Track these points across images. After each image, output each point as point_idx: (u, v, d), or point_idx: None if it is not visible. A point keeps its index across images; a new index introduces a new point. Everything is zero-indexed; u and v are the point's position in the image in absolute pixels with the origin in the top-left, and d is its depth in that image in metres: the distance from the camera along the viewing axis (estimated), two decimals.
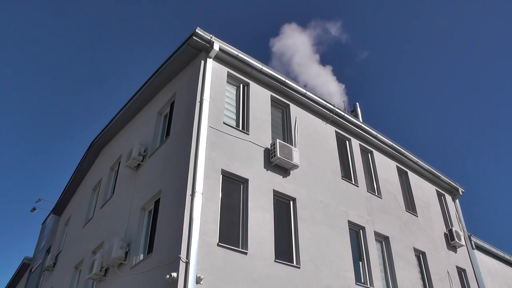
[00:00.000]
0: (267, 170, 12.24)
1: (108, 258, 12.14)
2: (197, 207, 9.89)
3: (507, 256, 23.41)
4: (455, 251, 18.87)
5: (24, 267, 29.02)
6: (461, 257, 19.03)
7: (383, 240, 15.21)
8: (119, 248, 11.90)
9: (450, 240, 18.71)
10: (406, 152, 18.48)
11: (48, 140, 76.60)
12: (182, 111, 12.48)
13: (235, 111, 13.04)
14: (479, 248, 21.37)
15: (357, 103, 21.26)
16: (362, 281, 13.50)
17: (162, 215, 11.13)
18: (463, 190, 21.67)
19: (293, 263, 11.48)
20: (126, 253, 12.00)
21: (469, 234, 20.78)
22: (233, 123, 12.59)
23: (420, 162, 19.12)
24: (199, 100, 11.67)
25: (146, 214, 12.46)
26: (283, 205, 12.36)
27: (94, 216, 16.85)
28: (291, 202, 12.53)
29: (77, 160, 30.57)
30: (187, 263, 9.23)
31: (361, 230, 14.41)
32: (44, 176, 77.74)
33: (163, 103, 14.09)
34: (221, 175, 11.12)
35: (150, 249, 11.28)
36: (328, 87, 34.80)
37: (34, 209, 26.13)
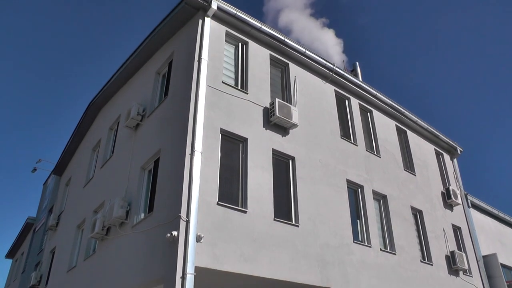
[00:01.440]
0: (266, 129, 12.24)
1: (109, 217, 12.32)
2: (197, 166, 9.95)
3: (501, 214, 23.75)
4: (451, 210, 19.12)
5: (28, 227, 29.50)
6: (456, 215, 19.30)
7: (381, 198, 15.38)
8: (120, 208, 12.04)
9: (447, 198, 18.93)
10: (405, 112, 18.45)
11: (47, 101, 76.37)
12: (180, 71, 12.38)
13: (234, 71, 12.93)
14: (475, 206, 21.65)
15: (357, 63, 21.07)
16: (360, 239, 13.74)
17: (162, 175, 11.21)
18: (461, 150, 21.75)
19: (291, 221, 11.64)
20: (127, 212, 12.16)
21: (465, 193, 21.01)
22: (232, 83, 12.51)
23: (419, 121, 19.12)
24: (197, 60, 11.55)
25: (146, 174, 12.54)
26: (282, 164, 12.43)
27: (95, 176, 16.98)
28: (290, 161, 12.60)
29: (77, 121, 30.52)
30: (187, 222, 9.37)
31: (359, 189, 14.56)
32: (44, 137, 77.91)
33: (161, 62, 13.96)
34: (220, 135, 11.13)
35: (150, 208, 11.42)
36: (328, 47, 34.45)
37: (35, 169, 26.30)
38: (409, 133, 18.80)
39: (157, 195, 11.09)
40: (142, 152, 12.80)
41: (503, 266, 20.84)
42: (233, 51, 13.24)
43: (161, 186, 11.08)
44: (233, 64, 13.04)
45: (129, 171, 13.21)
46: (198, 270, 9.24)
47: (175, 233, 9.26)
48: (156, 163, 11.97)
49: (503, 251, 22.05)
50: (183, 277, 8.94)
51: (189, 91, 11.12)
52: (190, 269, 9.03)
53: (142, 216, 11.74)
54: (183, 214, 9.40)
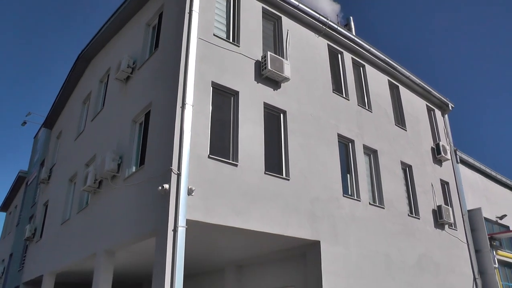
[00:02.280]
0: (257, 83, 12.14)
1: (101, 170, 12.35)
2: (188, 119, 9.89)
3: (488, 170, 24.12)
4: (440, 165, 19.36)
5: (20, 180, 29.57)
6: (445, 170, 19.56)
7: (371, 153, 15.51)
8: (112, 161, 12.06)
9: (437, 154, 19.12)
10: (398, 67, 18.34)
11: (36, 54, 75.00)
12: (170, 23, 12.13)
13: (225, 23, 12.68)
14: (463, 162, 21.94)
15: (351, 17, 20.72)
16: (349, 193, 13.93)
17: (153, 128, 11.18)
18: (452, 106, 21.80)
19: (282, 175, 11.74)
20: (119, 165, 12.19)
21: (455, 148, 21.22)
22: (224, 35, 12.29)
23: (412, 76, 19.04)
24: (188, 11, 11.27)
25: (137, 127, 12.50)
26: (273, 118, 12.41)
27: (86, 129, 16.91)
28: (282, 115, 12.58)
29: (66, 73, 30.09)
30: (178, 175, 9.41)
31: (350, 143, 14.64)
32: (34, 90, 76.99)
33: (151, 14, 13.65)
34: (211, 88, 11.03)
35: (142, 161, 11.44)
36: (321, 1, 33.78)
37: (25, 122, 26.13)
38: (401, 89, 18.75)
39: (149, 148, 11.09)
40: (133, 105, 12.71)
41: (486, 220, 21.32)
42: (224, 3, 12.94)
43: (152, 139, 11.07)
44: (225, 16, 12.78)
45: (120, 124, 13.16)
46: (189, 223, 9.36)
47: (166, 186, 9.31)
48: (147, 116, 11.91)
49: (487, 205, 22.53)
50: (175, 230, 9.07)
51: (179, 43, 10.93)
52: (181, 222, 9.14)
53: (134, 169, 11.78)
54: (174, 167, 9.43)
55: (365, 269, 13.14)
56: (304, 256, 12.71)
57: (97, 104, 16.49)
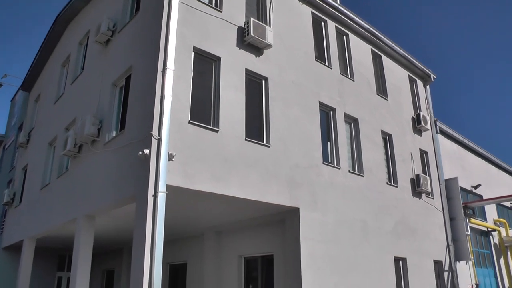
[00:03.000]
0: (240, 49, 12.03)
1: (81, 134, 12.23)
2: (169, 84, 9.78)
3: (465, 141, 24.56)
4: (420, 135, 19.62)
5: None
6: (425, 140, 19.85)
7: (352, 121, 15.61)
8: (92, 125, 11.95)
9: (417, 124, 19.36)
10: (381, 36, 18.31)
11: (13, 12, 72.86)
12: None
13: None
14: (443, 132, 22.27)
15: None
16: (329, 161, 14.07)
17: (133, 92, 11.06)
18: (434, 77, 21.95)
19: (263, 142, 11.77)
20: (99, 129, 12.09)
21: (435, 119, 21.49)
22: (206, 0, 12.07)
23: (395, 46, 19.05)
24: None
25: (117, 91, 12.35)
26: (255, 85, 12.36)
27: (65, 93, 16.65)
28: (263, 82, 12.53)
29: (45, 34, 29.36)
30: (159, 140, 9.35)
31: (331, 112, 14.70)
32: (10, 51, 75.09)
33: None
34: (192, 53, 10.88)
35: (122, 126, 11.35)
36: None
37: (1, 85, 25.55)
38: (384, 58, 18.78)
39: (129, 113, 10.99)
40: (113, 69, 12.52)
41: (462, 189, 21.86)
42: None
43: (132, 103, 10.96)
44: None
45: (100, 88, 12.98)
46: (169, 189, 9.37)
47: (146, 151, 9.25)
48: (128, 80, 11.75)
49: (463, 175, 23.03)
50: (155, 195, 9.08)
51: (161, 6, 10.69)
52: (161, 188, 9.14)
53: (114, 133, 11.70)
54: (154, 132, 9.37)
55: (342, 235, 13.42)
56: (282, 222, 12.90)
57: (76, 67, 16.19)
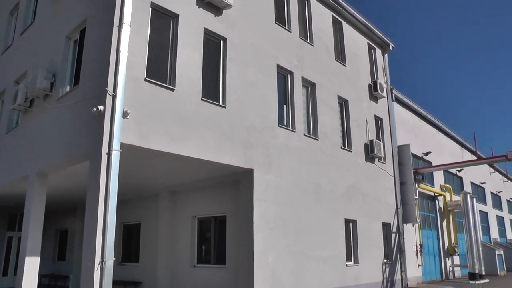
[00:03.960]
0: (199, 7, 11.78)
1: (32, 88, 11.82)
2: (125, 39, 9.52)
3: (419, 109, 25.29)
4: (376, 102, 20.03)
5: None
6: (380, 107, 20.30)
7: (309, 86, 15.75)
8: (44, 79, 11.55)
9: (373, 91, 19.74)
10: (343, 3, 18.33)
11: None
12: None
13: None
14: (398, 100, 22.82)
15: None
16: (285, 124, 14.22)
17: (88, 46, 10.72)
18: (393, 46, 22.30)
19: (219, 102, 11.75)
20: (52, 84, 11.69)
21: (391, 87, 21.94)
22: None
23: (355, 14, 19.15)
24: None
25: (71, 44, 11.92)
26: (213, 44, 12.22)
27: (14, 43, 15.92)
28: (222, 42, 12.39)
29: None
30: (113, 97, 9.17)
31: (289, 75, 14.76)
32: None
33: None
34: (150, 8, 10.57)
35: (76, 81, 11.02)
36: None
37: None
38: (345, 25, 18.86)
39: (83, 68, 10.67)
40: (67, 21, 12.03)
41: (413, 155, 22.65)
42: None
43: (87, 58, 10.63)
44: None
45: (53, 40, 12.49)
46: (124, 147, 9.26)
47: (101, 107, 9.06)
48: (82, 33, 11.32)
49: (416, 142, 23.82)
50: (109, 154, 8.95)
51: None
52: (116, 146, 9.01)
53: (68, 88, 11.38)
54: (109, 88, 9.17)
55: (295, 197, 13.73)
56: (237, 183, 13.06)
57: (26, 17, 15.44)
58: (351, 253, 16.53)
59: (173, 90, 10.47)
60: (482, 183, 36.67)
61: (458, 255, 27.05)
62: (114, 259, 8.80)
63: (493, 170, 40.82)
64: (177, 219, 15.23)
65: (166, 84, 10.47)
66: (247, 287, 11.89)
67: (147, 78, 9.97)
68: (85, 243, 8.95)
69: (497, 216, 40.70)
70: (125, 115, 9.28)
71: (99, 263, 8.51)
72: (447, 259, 25.83)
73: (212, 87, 11.82)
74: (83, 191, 11.08)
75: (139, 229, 17.10)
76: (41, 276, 18.92)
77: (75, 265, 18.68)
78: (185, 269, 14.52)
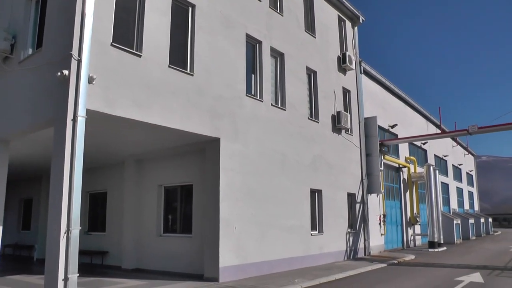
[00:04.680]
0: None
1: None
2: (90, 1, 9.21)
3: (387, 83, 25.66)
4: (344, 74, 20.22)
5: None
6: (348, 79, 20.50)
7: (278, 56, 15.76)
8: (3, 40, 11.15)
9: (342, 63, 19.89)
10: None
11: None
12: None
13: None
14: (366, 73, 23.07)
15: None
16: (253, 93, 14.25)
17: (52, 7, 10.33)
18: (363, 19, 22.42)
19: (186, 70, 11.66)
20: (12, 46, 11.31)
21: (360, 59, 22.15)
22: None
23: None
24: None
25: (33, 4, 11.49)
26: (181, 11, 12.03)
27: None
28: (190, 9, 12.20)
29: None
30: (79, 61, 8.98)
31: (257, 44, 14.72)
32: None
33: None
34: None
35: (39, 43, 10.71)
36: None
37: None
38: None
39: (47, 30, 10.33)
40: None
41: (380, 127, 23.09)
42: None
43: (50, 20, 10.27)
44: None
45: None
46: (89, 113, 9.10)
47: (66, 72, 8.84)
48: None
49: (383, 115, 24.24)
50: (74, 120, 8.80)
51: None
52: (81, 112, 8.86)
53: (30, 51, 11.05)
54: (74, 52, 8.95)
55: (261, 167, 13.89)
56: (203, 152, 13.11)
57: None
58: (316, 223, 16.91)
59: (140, 56, 10.33)
60: (445, 156, 37.76)
61: (419, 224, 28.02)
62: (80, 228, 8.75)
63: (456, 144, 42.03)
64: (143, 188, 15.22)
65: (133, 49, 10.31)
66: (213, 256, 12.10)
67: (113, 43, 9.79)
68: (51, 212, 8.86)
69: (457, 187, 42.13)
70: (90, 80, 9.12)
71: (65, 233, 8.45)
72: (408, 228, 26.71)
73: (179, 55, 11.71)
74: (47, 159, 10.88)
75: (106, 198, 17.02)
76: (4, 246, 18.75)
77: (41, 234, 18.51)
78: (151, 239, 14.60)
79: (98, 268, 15.34)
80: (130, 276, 13.15)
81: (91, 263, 16.18)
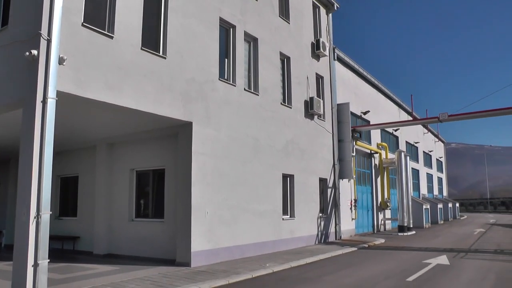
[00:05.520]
0: None
1: None
2: None
3: (360, 70, 25.91)
4: (318, 60, 20.33)
5: None
6: (322, 65, 20.63)
7: (251, 41, 15.73)
8: None
9: (316, 49, 19.98)
10: None
11: None
12: None
13: None
14: (340, 60, 23.24)
15: None
16: (226, 78, 14.22)
17: None
18: (338, 6, 22.52)
19: (159, 53, 11.54)
20: None
21: (333, 46, 22.27)
22: None
23: None
24: None
25: None
26: None
27: None
28: None
29: None
30: (48, 41, 8.74)
31: (231, 29, 14.66)
32: None
33: None
34: None
35: (5, 20, 10.30)
36: None
37: None
38: None
39: (13, 6, 9.94)
40: None
41: (352, 114, 23.38)
42: None
43: None
44: None
45: None
46: (60, 95, 8.91)
47: (34, 52, 8.60)
48: None
49: (355, 101, 24.51)
50: (44, 102, 8.58)
51: None
52: (51, 93, 8.66)
53: None
54: (44, 31, 8.70)
55: (234, 151, 13.93)
56: (175, 136, 13.07)
57: None
58: (288, 207, 17.10)
59: (111, 37, 10.17)
60: (416, 143, 38.50)
61: (389, 209, 28.62)
62: (51, 213, 8.58)
63: (426, 131, 42.89)
64: (115, 172, 15.10)
65: (105, 30, 10.12)
66: (185, 240, 12.14)
67: (84, 24, 9.59)
68: (19, 196, 8.68)
69: (427, 173, 43.07)
70: (61, 61, 8.93)
71: (35, 217, 8.30)
72: (379, 213, 27.26)
73: (152, 37, 11.57)
74: (16, 141, 10.69)
75: (77, 182, 16.82)
76: None
77: (9, 219, 18.21)
78: (123, 224, 14.53)
79: (69, 254, 15.22)
80: (102, 262, 13.07)
81: (62, 248, 16.02)
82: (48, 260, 8.44)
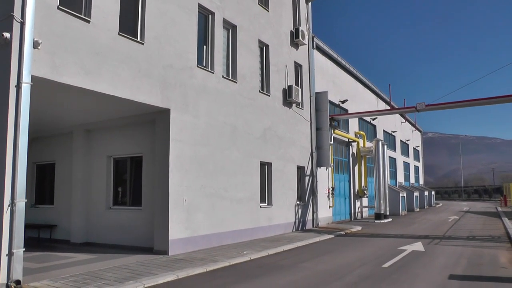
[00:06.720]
0: None
1: None
2: None
3: (339, 59, 26.05)
4: (297, 48, 20.35)
5: None
6: (301, 54, 20.67)
7: (230, 28, 15.66)
8: None
9: (295, 38, 20.00)
10: None
11: None
12: None
13: None
14: (319, 48, 23.32)
15: None
16: (204, 64, 14.15)
17: None
18: None
19: (137, 38, 11.41)
20: None
21: (313, 35, 22.31)
22: None
23: None
24: None
25: None
26: None
27: None
28: None
29: None
30: (22, 24, 8.55)
31: (210, 15, 14.56)
32: None
33: None
34: None
35: None
36: None
37: None
38: None
39: None
40: None
41: (330, 102, 23.55)
42: None
43: None
44: None
45: None
46: (35, 80, 8.77)
47: (7, 35, 8.40)
48: None
49: (334, 90, 24.68)
50: (18, 87, 8.42)
51: None
52: (26, 78, 8.50)
53: None
54: (16, 13, 8.50)
55: (211, 138, 13.92)
56: (153, 123, 13.01)
57: None
58: (265, 195, 17.19)
59: (88, 21, 10.01)
60: (393, 132, 38.97)
61: (367, 197, 29.01)
62: (26, 200, 8.49)
63: (404, 120, 43.42)
64: (92, 159, 14.96)
65: (81, 14, 9.95)
66: (163, 228, 12.14)
67: (60, 7, 9.40)
68: None
69: (404, 162, 43.68)
70: (36, 45, 8.76)
71: (9, 205, 8.18)
72: (356, 201, 27.60)
73: (130, 22, 11.43)
74: None
75: (54, 169, 16.60)
76: None
77: None
78: (101, 212, 14.44)
79: (46, 242, 15.06)
80: (79, 250, 12.99)
81: (39, 237, 15.83)
82: (24, 249, 8.36)
